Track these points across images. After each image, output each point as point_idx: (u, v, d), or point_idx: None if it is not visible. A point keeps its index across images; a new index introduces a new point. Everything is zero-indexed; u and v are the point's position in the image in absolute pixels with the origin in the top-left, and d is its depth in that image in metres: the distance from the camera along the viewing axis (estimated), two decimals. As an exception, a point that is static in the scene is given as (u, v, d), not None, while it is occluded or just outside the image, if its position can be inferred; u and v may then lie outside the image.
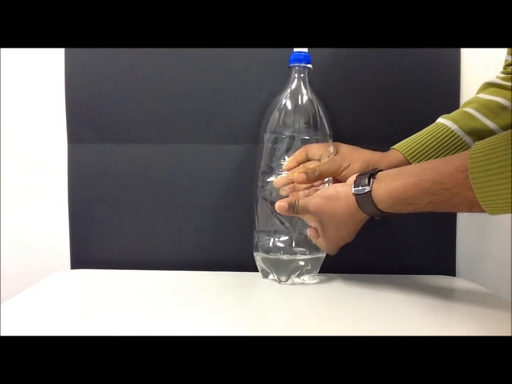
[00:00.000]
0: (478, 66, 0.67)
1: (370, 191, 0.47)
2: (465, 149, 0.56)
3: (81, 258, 0.70)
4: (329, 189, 0.52)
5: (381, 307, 0.50)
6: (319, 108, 0.59)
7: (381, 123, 0.67)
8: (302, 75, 0.59)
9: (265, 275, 0.61)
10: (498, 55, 0.64)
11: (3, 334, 0.40)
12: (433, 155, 0.56)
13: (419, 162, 0.56)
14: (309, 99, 0.59)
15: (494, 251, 0.70)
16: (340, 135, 0.63)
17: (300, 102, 0.59)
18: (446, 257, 0.69)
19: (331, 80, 0.67)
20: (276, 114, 0.59)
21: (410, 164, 0.56)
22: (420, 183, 0.43)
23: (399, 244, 0.68)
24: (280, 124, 0.58)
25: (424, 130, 0.59)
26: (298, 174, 0.55)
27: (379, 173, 0.49)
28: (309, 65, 0.59)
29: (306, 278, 0.60)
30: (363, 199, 0.48)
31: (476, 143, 0.40)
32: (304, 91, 0.59)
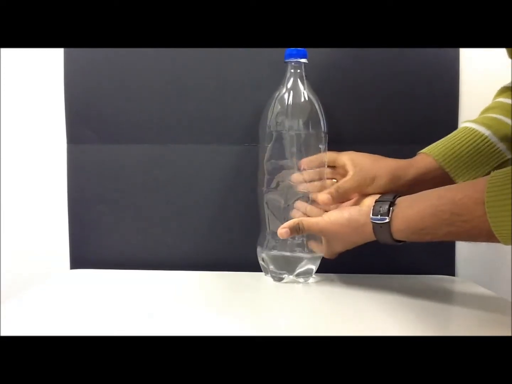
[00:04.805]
0: (477, 66, 0.67)
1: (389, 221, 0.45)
2: (498, 156, 0.54)
3: (81, 258, 0.70)
4: (342, 214, 0.51)
5: (381, 307, 0.50)
6: (316, 103, 0.58)
7: (379, 123, 0.67)
8: (298, 70, 0.59)
9: (266, 271, 0.61)
10: (498, 55, 0.64)
11: (3, 334, 0.40)
12: (468, 161, 0.54)
13: (453, 168, 0.54)
14: (305, 94, 0.58)
15: (494, 252, 0.70)
16: (338, 134, 0.63)
17: (296, 97, 0.58)
18: (446, 257, 0.69)
19: (330, 79, 0.67)
20: (272, 110, 0.58)
21: (442, 169, 0.54)
22: (438, 213, 0.42)
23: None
24: (277, 120, 0.58)
25: (453, 134, 0.57)
26: (322, 195, 0.54)
27: (399, 200, 0.47)
28: (305, 60, 0.59)
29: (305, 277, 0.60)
30: (381, 229, 0.46)
31: (493, 173, 0.39)
32: (300, 86, 0.59)
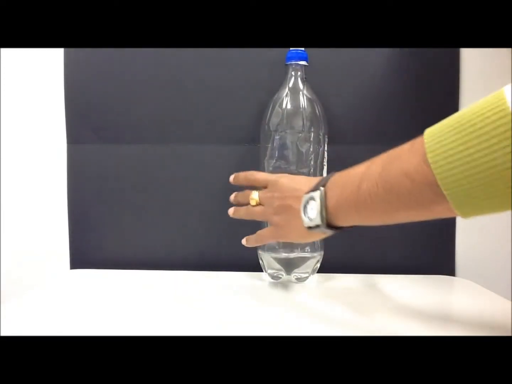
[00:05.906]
0: (478, 66, 0.67)
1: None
2: None
3: (81, 258, 0.70)
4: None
5: (381, 307, 0.50)
6: (315, 104, 0.59)
7: (380, 123, 0.67)
8: (299, 72, 0.60)
9: (266, 271, 0.61)
10: (498, 55, 0.64)
11: (3, 334, 0.40)
12: None
13: None
14: (306, 97, 0.59)
15: (494, 251, 0.70)
16: (338, 134, 0.63)
17: (296, 99, 0.59)
18: (446, 257, 0.69)
19: (330, 79, 0.67)
20: (273, 112, 0.59)
21: None
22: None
23: (399, 244, 0.68)
24: (277, 121, 0.58)
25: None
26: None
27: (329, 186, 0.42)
28: (304, 63, 0.59)
29: (303, 275, 0.60)
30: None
31: (427, 132, 0.36)
32: (300, 87, 0.59)
